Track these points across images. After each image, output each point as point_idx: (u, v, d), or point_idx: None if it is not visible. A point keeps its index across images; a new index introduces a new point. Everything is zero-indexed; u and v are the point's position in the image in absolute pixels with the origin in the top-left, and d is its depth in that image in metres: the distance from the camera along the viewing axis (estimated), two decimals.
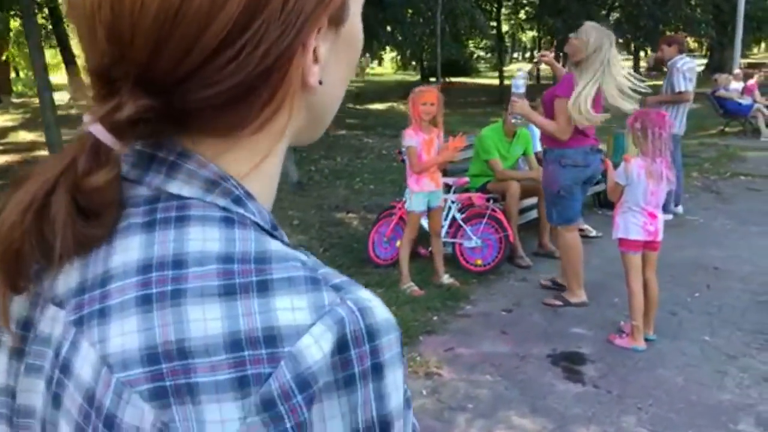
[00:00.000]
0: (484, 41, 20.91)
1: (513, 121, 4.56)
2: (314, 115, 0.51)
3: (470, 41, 22.82)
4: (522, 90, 4.18)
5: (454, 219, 4.88)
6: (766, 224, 6.02)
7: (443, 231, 4.91)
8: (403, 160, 4.58)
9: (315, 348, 0.40)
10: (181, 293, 0.41)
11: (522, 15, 21.06)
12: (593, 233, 5.84)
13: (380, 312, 0.43)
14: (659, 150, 3.48)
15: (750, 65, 27.56)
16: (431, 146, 4.24)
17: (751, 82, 11.84)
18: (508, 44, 39.44)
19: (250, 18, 0.41)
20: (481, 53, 26.38)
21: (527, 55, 41.99)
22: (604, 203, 6.71)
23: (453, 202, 4.91)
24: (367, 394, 0.41)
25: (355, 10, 0.49)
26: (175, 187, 0.45)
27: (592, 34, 3.98)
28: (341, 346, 0.40)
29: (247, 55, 0.41)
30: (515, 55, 44.83)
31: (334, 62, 0.49)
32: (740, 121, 11.54)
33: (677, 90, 6.01)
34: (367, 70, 33.89)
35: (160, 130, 0.44)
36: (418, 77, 22.57)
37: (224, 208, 0.44)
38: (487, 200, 5.05)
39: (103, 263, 0.44)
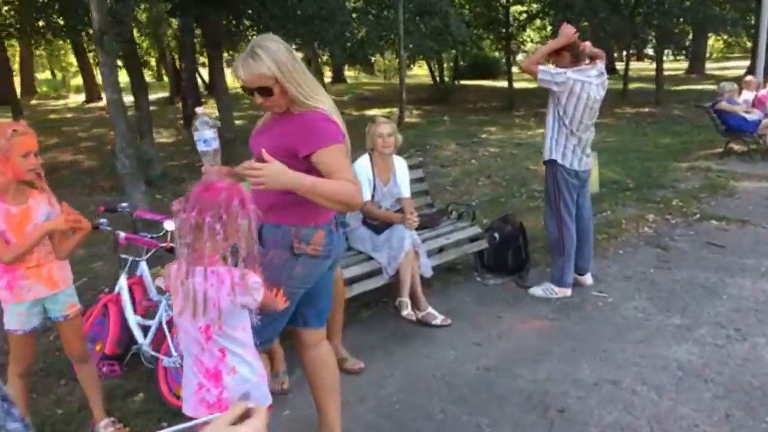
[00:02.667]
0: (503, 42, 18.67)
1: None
2: None
3: (484, 42, 20.59)
4: (212, 145, 2.33)
5: (160, 321, 3.16)
6: (696, 311, 4.01)
7: (149, 336, 3.21)
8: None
9: None
10: None
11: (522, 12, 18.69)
12: (438, 320, 4.01)
13: None
14: (224, 253, 1.85)
15: None
16: (26, 222, 2.57)
17: (763, 92, 9.44)
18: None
19: None
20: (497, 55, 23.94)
21: None
22: (488, 264, 4.83)
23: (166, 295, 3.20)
24: None
25: None
26: None
27: (267, 52, 2.22)
28: None
29: None
30: None
31: None
32: (745, 140, 9.15)
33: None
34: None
35: None
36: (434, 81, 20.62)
37: None
38: None
39: None
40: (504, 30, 17.62)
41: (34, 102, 22.53)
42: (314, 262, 2.39)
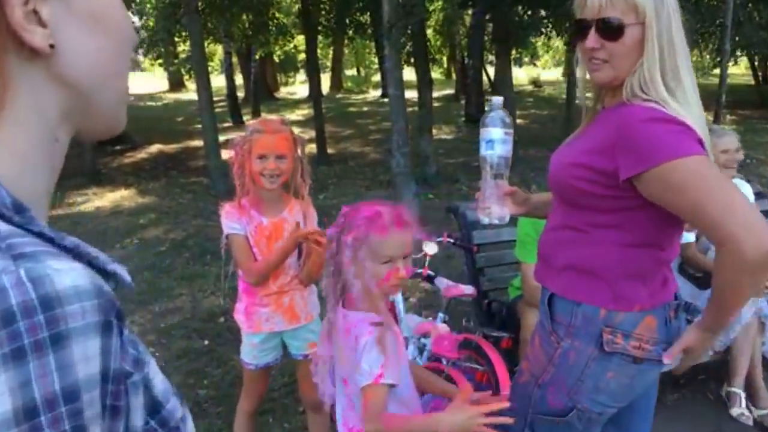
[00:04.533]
0: None
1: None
2: (80, 93, 0.49)
3: None
4: (497, 150, 1.56)
5: None
6: None
7: None
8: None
9: None
10: None
11: None
12: None
13: (65, 280, 0.39)
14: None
15: None
16: (277, 236, 2.09)
17: None
18: None
19: None
20: None
21: None
22: None
23: (415, 339, 2.53)
24: (43, 367, 0.37)
25: None
26: None
27: None
28: (6, 318, 0.37)
29: None
30: None
31: (77, 31, 0.48)
32: None
33: None
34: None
35: None
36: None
37: None
38: (496, 341, 2.52)
39: None
40: None
41: (338, 96, 24.72)
42: (637, 369, 1.42)
